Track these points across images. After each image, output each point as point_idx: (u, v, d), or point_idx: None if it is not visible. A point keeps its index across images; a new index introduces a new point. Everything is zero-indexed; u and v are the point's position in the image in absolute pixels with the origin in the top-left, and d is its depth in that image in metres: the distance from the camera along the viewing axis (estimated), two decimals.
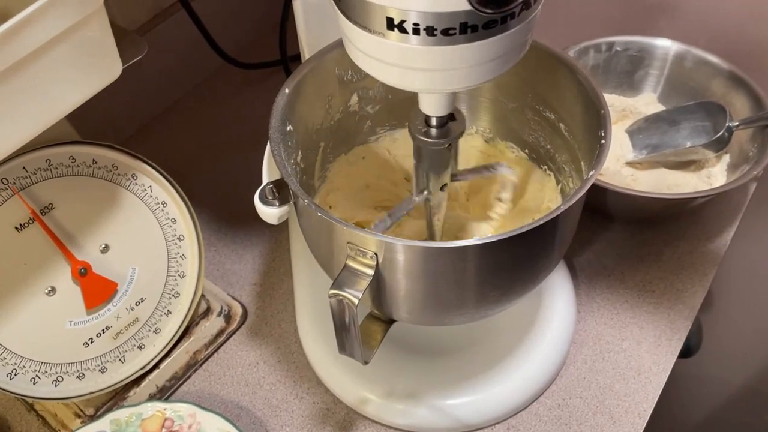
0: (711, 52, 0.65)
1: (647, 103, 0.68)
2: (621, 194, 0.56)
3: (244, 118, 0.76)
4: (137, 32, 0.71)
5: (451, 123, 0.41)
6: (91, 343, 0.50)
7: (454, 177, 0.45)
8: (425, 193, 0.44)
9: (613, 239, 0.62)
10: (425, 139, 0.41)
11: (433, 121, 0.40)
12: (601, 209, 0.61)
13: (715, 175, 0.62)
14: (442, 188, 0.44)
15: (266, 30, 0.82)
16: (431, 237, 0.48)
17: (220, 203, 0.68)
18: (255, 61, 0.78)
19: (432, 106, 0.39)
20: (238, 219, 0.67)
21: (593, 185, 0.56)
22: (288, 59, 0.73)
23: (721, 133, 0.60)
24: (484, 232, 0.52)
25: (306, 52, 0.51)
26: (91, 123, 0.67)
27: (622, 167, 0.64)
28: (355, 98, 0.52)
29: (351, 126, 0.53)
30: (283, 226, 0.65)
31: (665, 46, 0.66)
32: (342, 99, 0.51)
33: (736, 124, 0.60)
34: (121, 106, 0.72)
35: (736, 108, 0.62)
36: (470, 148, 0.56)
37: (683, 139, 0.62)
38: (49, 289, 0.48)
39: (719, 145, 0.61)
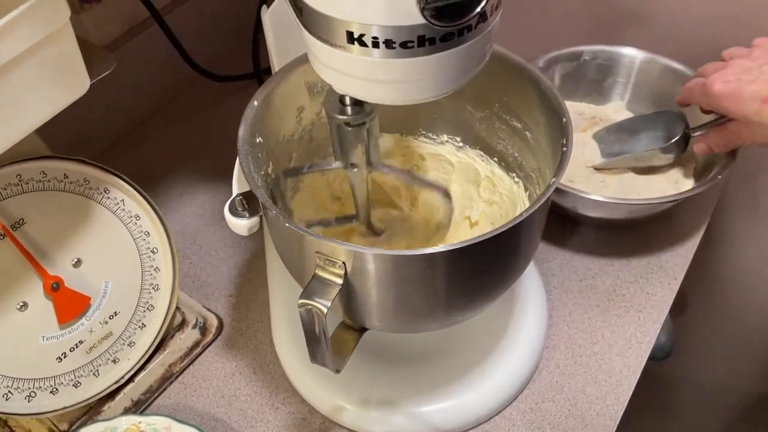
0: (677, 59, 0.67)
1: (616, 110, 0.70)
2: (589, 200, 0.57)
3: (219, 130, 0.76)
4: (112, 46, 0.72)
5: (364, 104, 0.42)
6: (65, 357, 0.50)
7: (372, 164, 0.46)
8: (339, 163, 0.46)
9: (584, 244, 0.63)
10: (337, 116, 0.42)
11: (347, 100, 0.41)
12: (571, 215, 0.62)
13: (682, 180, 0.63)
14: (351, 166, 0.45)
15: (241, 42, 0.82)
16: (357, 214, 0.50)
17: (196, 215, 0.68)
18: (230, 74, 0.78)
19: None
20: (214, 231, 0.67)
21: (563, 191, 0.58)
22: (262, 71, 0.74)
23: (676, 138, 0.61)
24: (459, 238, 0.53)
25: (276, 65, 0.52)
26: (66, 137, 0.67)
27: (592, 173, 0.65)
28: None
29: (323, 136, 0.54)
30: (258, 238, 0.65)
31: (631, 54, 0.68)
32: (313, 110, 0.52)
33: (695, 132, 0.61)
34: (97, 119, 0.72)
35: (700, 114, 0.64)
36: (442, 156, 0.57)
37: (642, 147, 0.64)
38: (21, 304, 0.48)
39: (677, 149, 0.62)
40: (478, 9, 0.30)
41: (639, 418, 1.06)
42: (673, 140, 0.61)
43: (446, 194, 0.54)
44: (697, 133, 0.61)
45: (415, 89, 0.35)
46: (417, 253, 0.38)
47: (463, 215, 0.56)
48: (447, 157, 0.56)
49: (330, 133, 0.45)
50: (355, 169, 0.46)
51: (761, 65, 0.53)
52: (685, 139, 0.62)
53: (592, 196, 0.57)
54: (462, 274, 0.41)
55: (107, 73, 0.43)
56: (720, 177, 0.58)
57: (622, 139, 0.65)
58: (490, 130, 0.53)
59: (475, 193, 0.56)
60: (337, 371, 0.44)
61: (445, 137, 0.57)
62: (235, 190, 0.45)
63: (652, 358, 0.59)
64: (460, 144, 0.56)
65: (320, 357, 0.42)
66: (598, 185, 0.64)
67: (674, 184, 0.64)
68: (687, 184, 0.63)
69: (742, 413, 1.00)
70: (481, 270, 0.42)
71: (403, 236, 0.55)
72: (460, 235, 0.55)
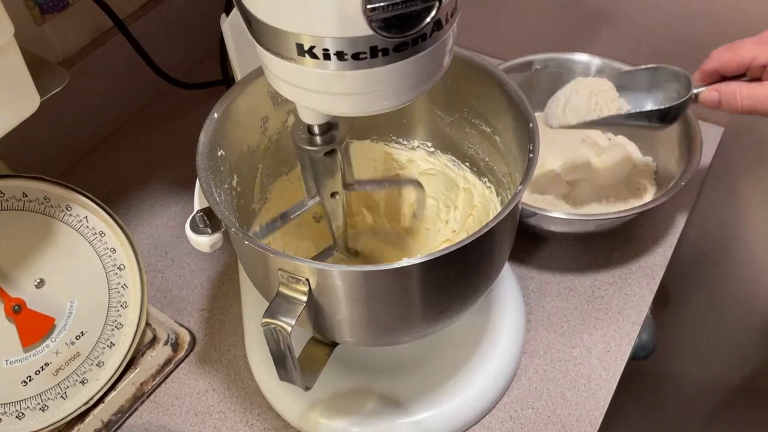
0: (653, 58, 0.65)
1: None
2: (553, 218, 0.56)
3: (189, 139, 0.74)
4: (76, 57, 0.70)
5: (333, 131, 0.41)
6: (30, 381, 0.49)
7: (350, 186, 0.44)
8: (316, 198, 0.44)
9: (562, 247, 0.62)
10: (307, 147, 0.41)
11: (315, 129, 0.40)
12: (537, 233, 0.61)
13: (644, 187, 0.62)
14: (332, 195, 0.44)
15: (209, 49, 0.81)
16: (334, 243, 0.48)
17: (168, 227, 0.67)
18: (200, 81, 0.77)
19: (310, 115, 0.39)
20: (186, 243, 0.65)
21: (524, 210, 0.56)
22: (231, 79, 0.72)
23: (682, 100, 0.51)
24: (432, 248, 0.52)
25: (238, 74, 0.50)
26: (33, 153, 0.66)
27: (558, 179, 0.64)
28: (291, 118, 0.51)
29: (290, 146, 0.53)
30: (231, 250, 0.64)
31: (584, 61, 0.66)
32: (278, 119, 0.50)
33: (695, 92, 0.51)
34: (64, 132, 0.70)
35: None
36: (413, 161, 0.56)
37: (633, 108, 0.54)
38: None
39: (672, 115, 0.52)
40: (428, 19, 0.29)
41: (622, 419, 1.05)
42: (678, 102, 0.50)
43: (418, 185, 0.52)
44: (700, 90, 0.50)
45: (372, 100, 0.34)
46: (381, 268, 0.37)
47: (441, 219, 0.55)
48: (418, 163, 0.55)
49: (303, 169, 0.43)
50: (337, 197, 0.44)
51: None
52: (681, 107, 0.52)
53: (556, 214, 0.56)
54: (431, 287, 0.40)
55: (59, 89, 0.41)
56: (683, 183, 0.56)
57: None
58: (460, 135, 0.52)
59: (448, 197, 0.55)
60: (307, 388, 0.43)
61: (416, 143, 0.56)
62: (197, 205, 0.44)
63: (635, 358, 0.58)
64: (432, 149, 0.55)
65: (288, 375, 0.41)
66: (564, 198, 0.63)
67: (635, 191, 0.63)
68: (650, 191, 0.62)
69: (725, 406, 1.00)
70: (450, 281, 0.40)
71: (387, 248, 0.54)
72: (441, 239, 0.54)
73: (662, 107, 0.51)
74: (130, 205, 0.69)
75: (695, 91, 0.51)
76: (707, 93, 0.50)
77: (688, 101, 0.51)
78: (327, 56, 0.31)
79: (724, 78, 0.50)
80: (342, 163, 0.42)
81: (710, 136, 0.69)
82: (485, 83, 0.46)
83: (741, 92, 0.47)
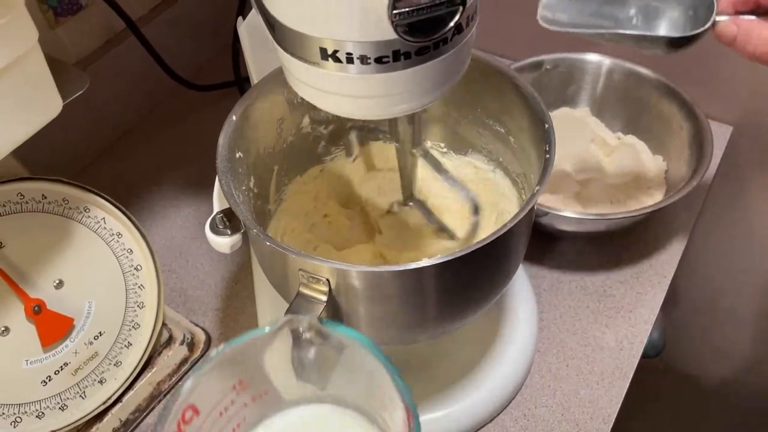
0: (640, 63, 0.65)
1: (582, 116, 0.69)
2: (565, 217, 0.56)
3: (201, 140, 0.75)
4: (90, 59, 0.71)
5: None
6: (50, 380, 0.49)
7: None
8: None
9: (573, 246, 0.63)
10: None
11: None
12: (549, 232, 0.61)
13: (654, 187, 0.63)
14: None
15: (221, 50, 0.82)
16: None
17: (182, 228, 0.68)
18: (211, 82, 0.77)
19: None
20: (199, 244, 0.66)
21: (537, 210, 0.56)
22: (243, 80, 0.73)
23: (698, 30, 0.42)
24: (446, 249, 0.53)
25: (254, 77, 0.51)
26: (46, 154, 0.66)
27: (569, 179, 0.64)
28: (306, 120, 0.52)
29: (305, 147, 0.53)
30: (245, 250, 0.64)
31: (595, 61, 0.66)
32: (293, 121, 0.51)
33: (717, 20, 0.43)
34: (77, 134, 0.71)
35: (667, 114, 0.63)
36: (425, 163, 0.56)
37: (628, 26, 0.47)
38: (2, 329, 0.47)
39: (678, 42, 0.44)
40: (452, 23, 0.29)
41: (635, 416, 1.06)
42: (698, 31, 0.42)
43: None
44: (722, 19, 0.42)
45: (392, 103, 0.34)
46: (401, 268, 0.37)
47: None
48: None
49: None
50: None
51: None
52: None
53: (567, 214, 0.56)
54: (449, 286, 0.40)
55: (81, 92, 0.42)
56: (694, 183, 0.57)
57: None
58: (474, 136, 0.53)
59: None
60: (323, 388, 0.43)
61: (429, 143, 0.56)
62: (216, 207, 0.44)
63: (645, 356, 0.59)
64: (444, 150, 0.56)
65: (306, 374, 0.41)
66: (575, 198, 0.63)
67: (646, 190, 0.63)
68: (660, 190, 0.62)
69: (732, 403, 1.01)
70: (469, 281, 0.41)
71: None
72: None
73: (682, 35, 0.43)
74: (143, 207, 0.70)
75: (718, 19, 0.42)
76: (725, 24, 0.41)
77: (708, 30, 0.43)
78: (350, 60, 0.31)
79: (757, 8, 0.41)
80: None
81: (719, 135, 0.70)
82: (499, 84, 0.47)
83: (761, 34, 0.39)
